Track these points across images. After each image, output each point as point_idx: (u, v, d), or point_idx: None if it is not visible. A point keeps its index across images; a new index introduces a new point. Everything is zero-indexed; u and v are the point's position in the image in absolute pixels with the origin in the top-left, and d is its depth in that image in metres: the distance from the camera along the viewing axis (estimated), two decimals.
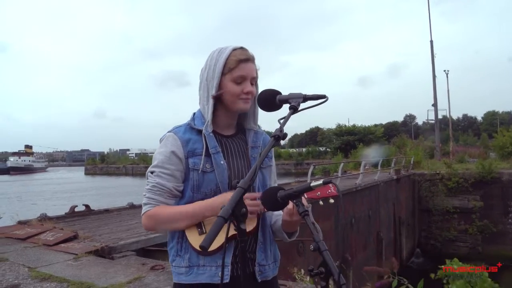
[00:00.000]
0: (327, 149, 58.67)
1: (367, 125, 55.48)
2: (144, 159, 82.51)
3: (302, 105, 1.43)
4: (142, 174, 62.07)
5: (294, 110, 1.42)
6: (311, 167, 12.58)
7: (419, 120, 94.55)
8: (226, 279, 1.54)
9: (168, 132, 1.67)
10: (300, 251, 10.19)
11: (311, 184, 1.35)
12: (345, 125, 56.46)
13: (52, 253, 5.96)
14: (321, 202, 1.72)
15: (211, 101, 1.64)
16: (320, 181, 1.36)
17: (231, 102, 1.65)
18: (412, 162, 24.66)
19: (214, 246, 1.51)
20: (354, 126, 55.56)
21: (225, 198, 1.51)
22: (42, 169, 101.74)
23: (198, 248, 1.54)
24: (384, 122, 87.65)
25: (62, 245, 6.33)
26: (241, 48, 1.67)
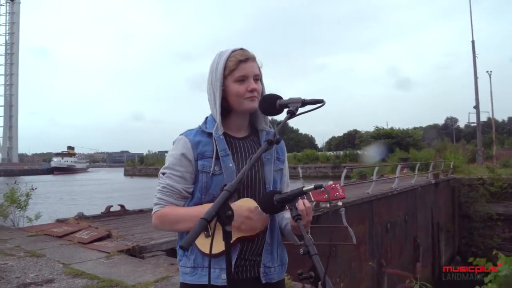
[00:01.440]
0: (365, 152, 57.76)
1: (405, 128, 54.29)
2: None
3: (301, 109, 1.44)
4: None
5: (291, 114, 1.42)
6: (344, 171, 12.38)
7: (461, 123, 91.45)
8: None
9: (180, 135, 1.70)
10: (332, 255, 10.04)
11: (304, 188, 1.38)
12: (383, 128, 55.47)
13: (86, 251, 6.13)
14: (327, 205, 1.70)
15: (218, 104, 1.65)
16: (312, 186, 1.38)
17: (238, 103, 1.66)
18: (451, 166, 23.89)
19: (219, 249, 1.52)
20: (392, 129, 54.48)
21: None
22: (84, 170, 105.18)
23: (203, 250, 1.56)
24: (424, 125, 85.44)
25: (96, 243, 6.50)
26: (241, 49, 1.68)
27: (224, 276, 1.55)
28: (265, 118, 1.77)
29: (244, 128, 1.76)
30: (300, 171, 17.37)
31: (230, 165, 1.62)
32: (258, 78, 1.69)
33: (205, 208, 1.54)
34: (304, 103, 1.42)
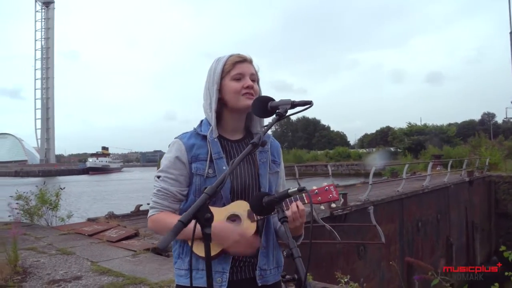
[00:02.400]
0: (398, 149, 56.84)
1: (439, 124, 53.04)
2: None
3: (290, 111, 1.43)
4: None
5: (279, 117, 1.41)
6: (373, 168, 12.17)
7: (499, 118, 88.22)
8: (224, 285, 1.55)
9: (175, 138, 1.71)
10: (360, 254, 9.93)
11: (289, 191, 1.37)
12: (416, 124, 54.39)
13: (114, 249, 6.29)
14: (322, 207, 1.69)
15: (214, 107, 1.66)
16: (295, 188, 1.37)
17: (234, 101, 1.66)
18: (487, 163, 23.14)
19: (214, 252, 1.51)
20: (425, 125, 53.37)
21: (221, 224, 1.53)
22: (118, 169, 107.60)
23: (197, 253, 1.55)
24: (459, 121, 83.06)
25: (124, 242, 6.66)
26: (238, 54, 1.71)
27: (219, 279, 1.56)
28: (260, 121, 1.76)
29: (240, 130, 1.76)
30: (330, 169, 17.12)
31: (224, 167, 1.62)
32: (254, 78, 1.70)
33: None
34: (294, 104, 1.41)
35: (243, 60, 1.68)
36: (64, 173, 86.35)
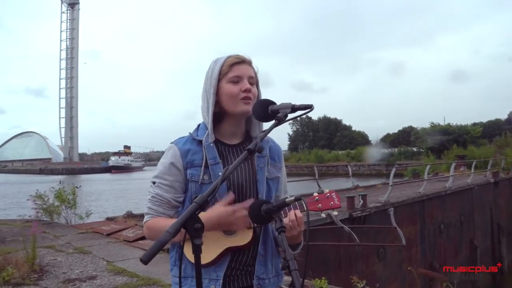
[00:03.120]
0: (421, 150, 55.94)
1: (463, 124, 52.00)
2: None
3: (291, 115, 1.39)
4: None
5: (278, 121, 1.36)
6: (393, 170, 11.93)
7: None
8: None
9: (171, 143, 1.66)
10: (380, 256, 9.74)
11: (286, 200, 1.33)
12: (439, 124, 53.45)
13: (130, 249, 6.30)
14: (323, 215, 1.61)
15: (211, 110, 1.59)
16: (293, 197, 1.33)
17: (231, 105, 1.59)
18: None
19: (208, 259, 1.50)
20: (448, 125, 52.38)
21: (213, 213, 1.49)
22: (140, 168, 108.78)
23: (192, 260, 1.50)
24: (484, 120, 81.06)
25: (140, 241, 6.66)
26: (237, 55, 1.64)
27: (212, 286, 1.51)
28: (259, 124, 1.70)
29: (239, 135, 1.69)
30: (350, 169, 16.94)
31: (220, 173, 1.54)
32: (253, 81, 1.63)
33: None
34: (294, 108, 1.36)
35: (241, 62, 1.61)
36: (87, 172, 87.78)
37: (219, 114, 1.63)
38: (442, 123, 53.90)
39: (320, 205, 1.51)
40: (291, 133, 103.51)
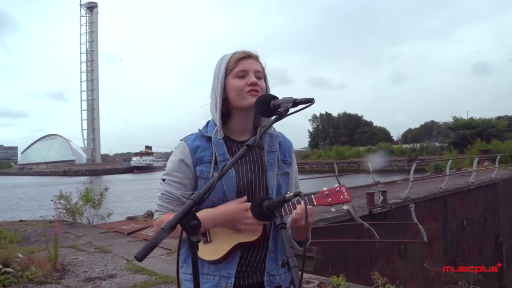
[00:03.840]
0: (443, 144, 55.00)
1: (487, 118, 50.91)
2: None
3: (292, 109, 1.37)
4: None
5: (279, 116, 1.35)
6: (414, 165, 11.75)
7: None
8: None
9: (180, 140, 1.67)
10: (401, 253, 9.62)
11: (286, 196, 1.32)
12: (462, 118, 52.46)
13: None
14: (333, 209, 1.59)
15: (218, 107, 1.60)
16: (292, 193, 1.31)
17: (238, 99, 1.59)
18: None
19: (217, 255, 1.51)
20: (472, 119, 51.38)
21: (221, 210, 1.51)
22: (161, 168, 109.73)
23: (202, 257, 1.52)
24: (510, 114, 79.14)
25: None
26: (243, 50, 1.64)
27: (223, 284, 1.51)
28: (268, 120, 1.67)
29: (248, 131, 1.68)
30: (370, 165, 16.76)
31: (229, 170, 1.55)
32: (260, 75, 1.62)
33: (204, 214, 1.50)
34: (295, 102, 1.35)
35: (247, 57, 1.61)
36: (110, 172, 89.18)
37: (227, 111, 1.63)
38: (465, 117, 52.95)
39: (329, 199, 1.50)
40: (311, 130, 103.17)
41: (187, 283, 1.58)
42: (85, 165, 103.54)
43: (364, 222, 8.34)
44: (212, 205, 1.55)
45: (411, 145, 72.74)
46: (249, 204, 1.46)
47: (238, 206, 1.50)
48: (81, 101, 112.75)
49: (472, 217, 13.34)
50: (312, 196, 1.52)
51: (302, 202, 1.45)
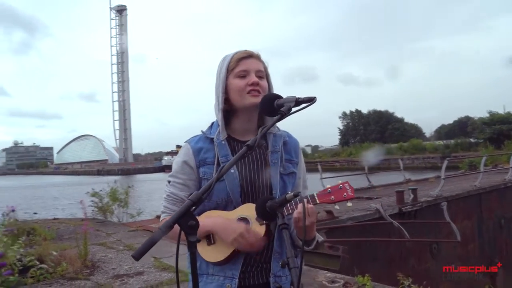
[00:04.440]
0: (478, 140, 53.42)
1: None
2: None
3: (295, 108, 1.36)
4: None
5: (281, 116, 1.33)
6: (445, 162, 11.45)
7: None
8: None
9: (185, 142, 1.68)
10: (433, 253, 9.37)
11: (286, 196, 1.32)
12: (498, 113, 50.81)
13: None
14: (337, 207, 1.56)
15: (220, 107, 1.60)
16: (292, 194, 1.32)
17: (239, 99, 1.58)
18: None
19: (222, 256, 1.51)
20: (509, 113, 49.69)
21: (220, 216, 1.53)
22: None
23: (206, 258, 1.54)
24: None
25: None
26: (244, 50, 1.63)
27: (228, 284, 1.51)
28: (272, 119, 1.67)
29: (252, 131, 1.66)
30: (401, 163, 16.45)
31: (232, 171, 1.55)
32: (262, 75, 1.61)
33: (203, 220, 1.50)
34: (298, 101, 1.33)
35: (248, 56, 1.60)
36: (141, 172, 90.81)
37: (230, 111, 1.63)
38: (501, 111, 51.29)
39: (333, 197, 1.47)
40: (341, 127, 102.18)
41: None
42: (117, 165, 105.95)
43: (393, 221, 8.19)
44: (216, 206, 1.56)
45: (444, 141, 70.95)
46: (251, 232, 1.47)
47: (239, 224, 1.49)
48: (113, 102, 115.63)
49: (510, 216, 12.85)
50: (315, 193, 1.49)
51: (304, 200, 1.42)
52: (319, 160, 50.33)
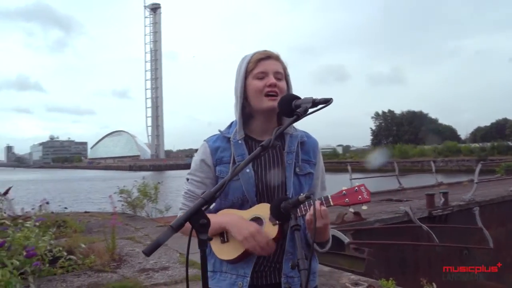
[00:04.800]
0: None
1: None
2: None
3: (311, 110, 1.37)
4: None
5: (297, 117, 1.35)
6: (479, 166, 11.14)
7: None
8: None
9: (204, 140, 1.71)
10: (463, 259, 9.11)
11: (299, 197, 1.33)
12: None
13: None
14: (351, 209, 1.53)
15: (239, 108, 1.61)
16: (304, 195, 1.33)
17: (257, 101, 1.59)
18: None
19: (235, 254, 1.51)
20: None
21: (235, 214, 1.55)
22: None
23: (219, 256, 1.56)
24: None
25: None
26: (264, 50, 1.64)
27: (240, 282, 1.52)
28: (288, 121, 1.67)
29: (270, 131, 1.61)
30: (433, 165, 16.08)
31: (248, 170, 1.56)
32: (280, 76, 1.61)
33: (218, 217, 1.55)
34: (315, 102, 1.34)
35: (267, 57, 1.61)
36: (173, 168, 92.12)
37: (248, 111, 1.64)
38: None
39: (347, 199, 1.46)
40: (373, 127, 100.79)
41: (209, 280, 1.60)
42: (149, 161, 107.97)
43: (422, 225, 8.03)
44: (231, 205, 1.58)
45: (480, 144, 68.93)
46: (262, 234, 1.48)
47: (252, 224, 1.50)
48: (146, 99, 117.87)
49: None
50: (329, 196, 1.49)
51: (317, 203, 1.42)
52: (350, 160, 49.77)
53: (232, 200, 1.58)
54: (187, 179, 1.67)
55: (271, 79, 1.57)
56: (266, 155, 1.62)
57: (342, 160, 61.31)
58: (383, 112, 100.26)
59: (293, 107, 1.39)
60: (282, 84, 1.60)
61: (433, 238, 7.86)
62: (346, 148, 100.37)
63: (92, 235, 7.07)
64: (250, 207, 1.56)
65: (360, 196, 1.45)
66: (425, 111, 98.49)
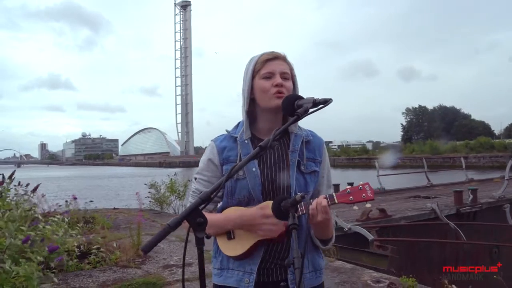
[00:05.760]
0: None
1: None
2: (346, 151, 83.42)
3: (311, 110, 1.41)
4: (344, 166, 63.28)
5: (297, 117, 1.39)
6: (510, 162, 10.79)
7: None
8: (251, 286, 1.56)
9: (211, 140, 1.74)
10: (493, 258, 8.90)
11: (296, 197, 1.37)
12: None
13: None
14: (355, 207, 1.55)
15: (245, 107, 1.65)
16: (299, 195, 1.37)
17: (264, 100, 1.62)
18: None
19: (239, 252, 1.56)
20: None
21: (241, 214, 1.56)
22: None
23: (226, 253, 1.60)
24: None
25: None
26: (271, 51, 1.67)
27: (246, 279, 1.56)
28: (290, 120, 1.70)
29: None
30: (463, 161, 15.72)
31: (254, 169, 1.60)
32: (287, 77, 1.64)
33: (226, 215, 1.60)
34: (315, 102, 1.39)
35: (274, 58, 1.64)
36: None
37: (255, 111, 1.68)
38: None
39: (351, 197, 1.48)
40: (404, 123, 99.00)
41: (215, 277, 1.67)
42: (179, 157, 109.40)
43: (450, 222, 7.87)
44: (238, 203, 1.62)
45: None
46: (268, 210, 1.49)
47: (256, 212, 1.54)
48: (175, 96, 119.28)
49: None
50: (334, 193, 1.51)
51: (321, 197, 1.47)
52: (377, 156, 49.10)
53: (238, 198, 1.62)
54: (195, 178, 1.72)
55: (278, 79, 1.60)
56: (272, 154, 1.66)
57: (371, 156, 60.54)
58: (414, 108, 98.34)
59: (295, 107, 1.43)
60: (289, 84, 1.63)
61: (460, 235, 7.70)
62: (376, 144, 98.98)
63: (119, 231, 7.25)
64: (256, 205, 1.59)
65: (364, 194, 1.48)
66: (457, 107, 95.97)
